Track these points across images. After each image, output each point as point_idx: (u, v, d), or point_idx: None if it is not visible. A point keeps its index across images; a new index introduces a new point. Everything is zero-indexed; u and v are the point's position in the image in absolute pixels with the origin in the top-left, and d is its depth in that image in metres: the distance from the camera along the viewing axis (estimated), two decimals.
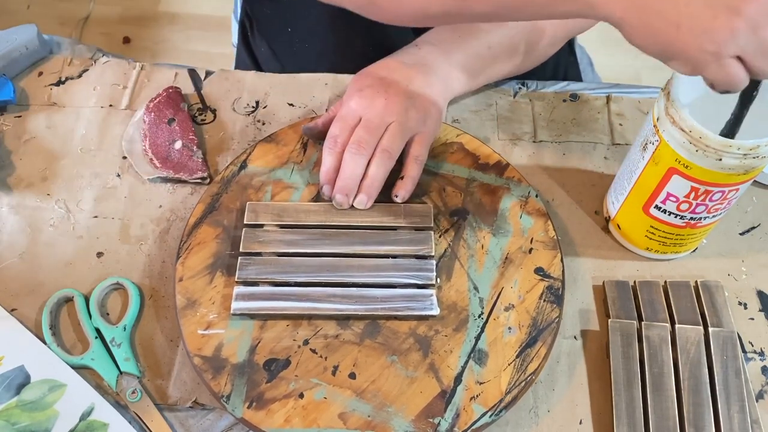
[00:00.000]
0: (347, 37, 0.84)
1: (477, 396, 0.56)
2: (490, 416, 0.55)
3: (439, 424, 0.55)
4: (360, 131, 0.62)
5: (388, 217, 0.64)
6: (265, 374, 0.57)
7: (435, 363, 0.57)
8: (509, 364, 0.57)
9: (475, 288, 0.61)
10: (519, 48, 0.71)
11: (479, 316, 0.60)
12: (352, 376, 0.57)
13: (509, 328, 0.59)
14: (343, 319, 0.59)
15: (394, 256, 0.62)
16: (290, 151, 0.69)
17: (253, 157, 0.68)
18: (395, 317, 0.59)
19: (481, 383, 0.56)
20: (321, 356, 0.58)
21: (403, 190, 0.64)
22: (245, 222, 0.63)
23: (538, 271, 0.62)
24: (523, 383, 0.56)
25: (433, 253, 0.62)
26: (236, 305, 0.59)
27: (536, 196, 0.66)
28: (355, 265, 0.61)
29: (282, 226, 0.63)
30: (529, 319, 0.59)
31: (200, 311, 0.59)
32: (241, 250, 0.62)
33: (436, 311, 0.59)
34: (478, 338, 0.59)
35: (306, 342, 0.58)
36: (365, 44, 0.82)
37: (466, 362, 0.57)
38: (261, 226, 0.63)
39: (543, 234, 0.64)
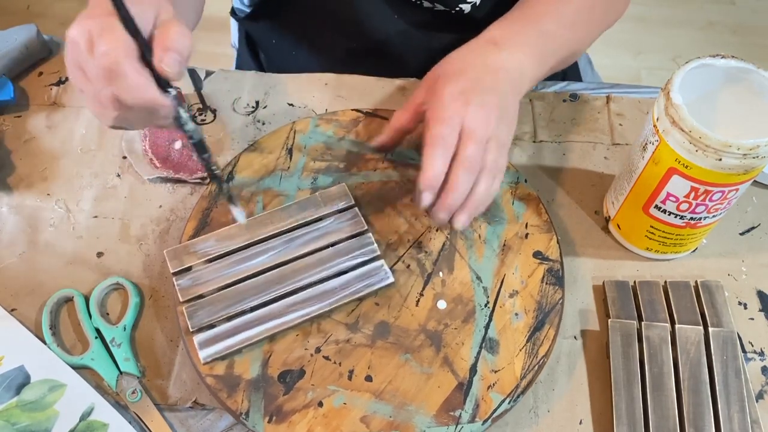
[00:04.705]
0: (333, 42, 0.84)
1: (494, 384, 0.56)
2: (509, 403, 0.56)
3: (460, 416, 0.55)
4: (471, 146, 0.57)
5: (308, 211, 0.64)
6: (281, 386, 0.56)
7: (448, 356, 0.58)
8: (521, 350, 0.58)
9: (478, 278, 0.61)
10: (576, 54, 0.71)
11: (486, 306, 0.60)
12: (369, 378, 0.57)
13: (516, 314, 0.59)
14: (313, 322, 0.59)
15: (332, 244, 0.62)
16: (276, 158, 0.68)
17: (238, 168, 0.67)
18: (359, 299, 0.60)
19: (495, 371, 0.57)
20: (335, 362, 0.57)
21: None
22: (172, 271, 0.60)
23: (537, 254, 0.62)
24: (536, 367, 0.57)
25: (366, 227, 0.62)
26: (204, 353, 0.56)
27: (525, 181, 0.67)
28: (301, 267, 0.61)
29: (210, 260, 0.61)
30: (534, 303, 0.60)
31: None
32: (180, 300, 0.59)
33: (391, 279, 0.60)
34: (487, 327, 0.59)
35: (318, 350, 0.58)
36: (351, 45, 0.83)
37: (479, 352, 0.58)
38: (189, 268, 0.61)
39: (536, 218, 0.64)
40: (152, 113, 0.49)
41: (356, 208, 0.64)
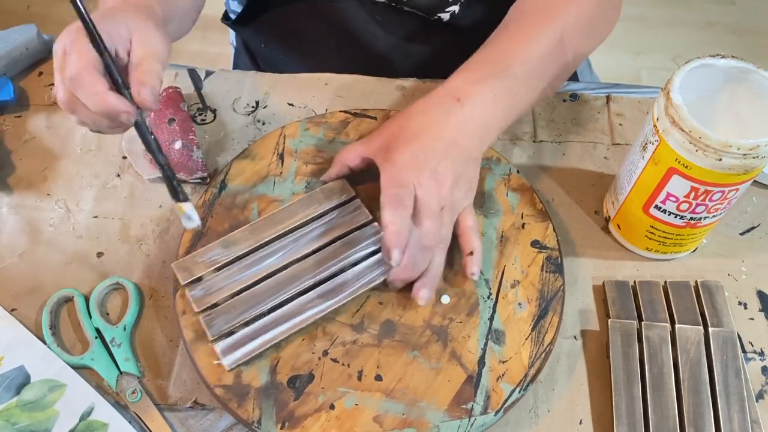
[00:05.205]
0: (320, 47, 0.84)
1: (503, 375, 0.57)
2: (519, 392, 0.56)
3: (472, 408, 0.55)
4: (427, 221, 0.58)
5: (311, 208, 0.64)
6: (291, 392, 0.56)
7: (456, 350, 0.58)
8: (526, 339, 0.58)
9: (479, 270, 0.61)
10: (549, 90, 0.68)
11: (488, 297, 0.60)
12: (378, 378, 0.57)
13: (519, 304, 0.60)
14: (318, 326, 0.59)
15: (340, 237, 0.62)
16: (267, 164, 0.68)
17: (231, 176, 0.67)
18: (375, 288, 0.60)
19: (503, 362, 0.57)
20: (343, 364, 0.57)
21: (476, 266, 0.60)
22: (182, 283, 0.60)
23: (535, 244, 0.63)
24: (543, 354, 0.57)
25: (370, 217, 0.63)
26: (228, 360, 0.56)
27: (517, 171, 0.67)
28: (312, 264, 0.61)
29: (220, 268, 0.61)
30: (536, 292, 0.60)
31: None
32: (195, 310, 0.58)
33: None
34: (491, 319, 0.59)
35: (325, 353, 0.58)
36: (338, 50, 0.83)
37: (486, 344, 0.58)
38: (200, 278, 0.60)
39: (531, 207, 0.65)
40: (113, 117, 0.54)
41: (358, 200, 0.64)
